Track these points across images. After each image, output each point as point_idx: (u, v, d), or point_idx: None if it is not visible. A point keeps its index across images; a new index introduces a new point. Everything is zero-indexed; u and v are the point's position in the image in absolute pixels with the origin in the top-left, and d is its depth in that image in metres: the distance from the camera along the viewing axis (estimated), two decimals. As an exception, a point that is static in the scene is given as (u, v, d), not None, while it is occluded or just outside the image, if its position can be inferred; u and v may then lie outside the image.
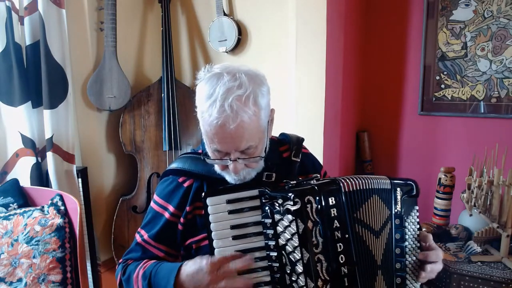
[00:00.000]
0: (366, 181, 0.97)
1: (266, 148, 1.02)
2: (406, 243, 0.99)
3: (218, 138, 0.94)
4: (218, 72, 0.97)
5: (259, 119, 0.96)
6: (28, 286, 1.45)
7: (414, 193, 1.01)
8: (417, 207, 1.03)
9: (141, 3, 2.38)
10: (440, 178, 1.96)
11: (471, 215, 1.77)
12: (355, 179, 0.96)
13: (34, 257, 1.48)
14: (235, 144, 0.95)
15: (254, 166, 1.02)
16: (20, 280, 1.47)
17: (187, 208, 1.06)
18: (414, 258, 1.00)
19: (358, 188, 0.95)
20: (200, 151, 1.15)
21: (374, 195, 0.97)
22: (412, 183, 1.01)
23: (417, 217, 1.02)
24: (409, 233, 1.00)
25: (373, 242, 0.95)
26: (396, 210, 0.99)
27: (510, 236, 1.69)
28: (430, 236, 1.02)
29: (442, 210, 1.97)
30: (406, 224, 1.00)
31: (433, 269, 1.00)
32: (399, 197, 1.00)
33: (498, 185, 1.67)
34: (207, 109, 0.93)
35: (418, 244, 1.01)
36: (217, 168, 1.03)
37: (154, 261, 1.06)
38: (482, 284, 1.63)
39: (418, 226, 1.02)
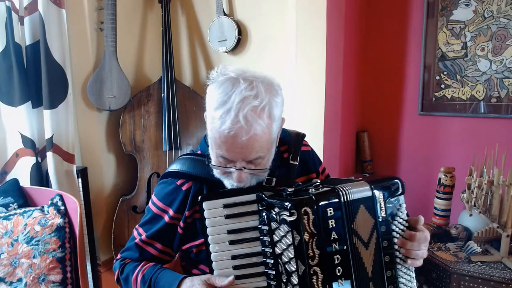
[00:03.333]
0: (354, 189, 0.92)
1: (272, 158, 0.98)
2: (396, 246, 0.95)
3: (226, 147, 0.90)
4: (234, 77, 0.92)
5: (271, 131, 0.93)
6: (28, 286, 1.45)
7: (400, 191, 0.96)
8: (404, 205, 0.97)
9: (141, 3, 2.38)
10: (440, 178, 1.96)
11: (471, 215, 1.77)
12: (348, 187, 0.91)
13: (34, 257, 1.48)
14: (244, 155, 0.91)
15: (260, 175, 0.99)
16: (20, 280, 1.47)
17: (186, 213, 1.05)
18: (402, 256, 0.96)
19: (352, 198, 0.91)
20: (199, 152, 1.13)
21: (361, 205, 0.92)
22: (397, 182, 0.96)
23: (406, 214, 0.98)
24: (398, 235, 0.96)
25: (365, 254, 0.92)
26: (381, 218, 0.94)
27: (510, 236, 1.68)
28: (421, 219, 0.98)
29: (442, 210, 1.97)
30: (394, 226, 0.96)
31: (413, 245, 0.94)
32: (382, 202, 0.93)
33: (498, 185, 1.66)
34: (219, 117, 0.88)
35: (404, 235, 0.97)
36: (216, 172, 1.00)
37: (153, 264, 1.05)
38: (482, 284, 1.63)
39: (406, 225, 0.97)
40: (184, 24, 2.45)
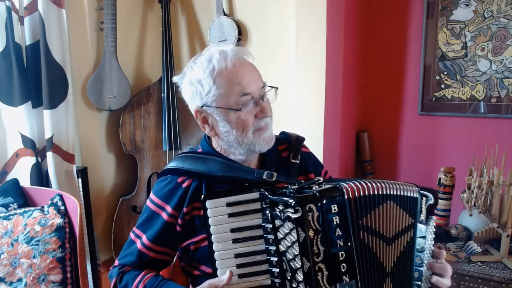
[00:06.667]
0: (382, 185, 0.93)
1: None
2: (425, 252, 0.96)
3: (244, 77, 0.98)
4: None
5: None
6: (28, 286, 1.45)
7: (433, 202, 0.98)
8: (434, 217, 0.99)
9: (141, 3, 2.38)
10: (440, 178, 1.96)
11: (471, 215, 1.77)
12: (364, 184, 0.92)
13: (34, 257, 1.48)
14: (257, 77, 1.01)
15: (270, 112, 1.04)
16: (20, 280, 1.47)
17: (185, 209, 1.04)
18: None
19: (366, 193, 0.91)
20: (199, 150, 1.13)
21: (389, 201, 0.93)
22: (433, 194, 0.99)
23: (434, 226, 0.99)
24: (428, 242, 0.97)
25: (382, 249, 0.92)
26: (421, 219, 0.96)
27: (510, 236, 1.69)
28: (443, 253, 1.00)
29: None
30: (427, 234, 0.97)
31: (437, 281, 0.96)
32: (424, 206, 0.96)
33: (498, 185, 1.66)
34: (217, 62, 0.97)
35: (432, 255, 0.99)
36: (250, 135, 1.01)
37: (154, 274, 1.04)
38: (482, 284, 1.63)
39: (434, 236, 0.99)
40: (184, 24, 2.45)
